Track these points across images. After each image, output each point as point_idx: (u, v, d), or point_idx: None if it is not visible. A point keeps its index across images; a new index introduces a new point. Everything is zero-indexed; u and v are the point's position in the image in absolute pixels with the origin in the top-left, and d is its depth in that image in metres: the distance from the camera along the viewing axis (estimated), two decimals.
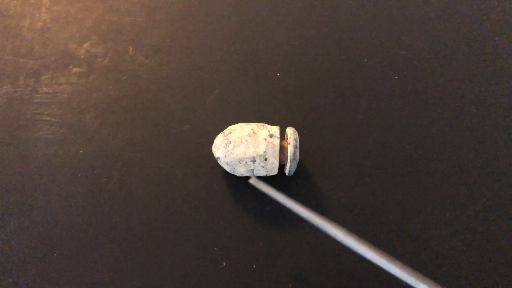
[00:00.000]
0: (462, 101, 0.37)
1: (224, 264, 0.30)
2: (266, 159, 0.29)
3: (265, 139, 0.29)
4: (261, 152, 0.29)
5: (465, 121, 0.36)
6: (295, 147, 0.29)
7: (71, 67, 0.39)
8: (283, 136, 0.34)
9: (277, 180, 0.33)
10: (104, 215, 0.32)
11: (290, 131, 0.30)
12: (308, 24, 0.42)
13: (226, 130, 0.30)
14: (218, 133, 0.33)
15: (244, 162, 0.29)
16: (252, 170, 0.30)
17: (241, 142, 0.29)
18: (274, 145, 0.29)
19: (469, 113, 0.36)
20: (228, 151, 0.29)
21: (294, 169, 0.30)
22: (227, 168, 0.30)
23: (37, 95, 0.37)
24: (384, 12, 0.43)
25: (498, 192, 0.32)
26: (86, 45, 0.41)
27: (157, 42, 0.41)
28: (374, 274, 0.29)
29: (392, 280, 0.29)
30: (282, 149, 0.30)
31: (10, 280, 0.29)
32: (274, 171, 0.30)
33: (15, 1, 0.43)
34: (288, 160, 0.29)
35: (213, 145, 0.31)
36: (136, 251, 0.30)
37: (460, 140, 0.35)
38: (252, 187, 0.33)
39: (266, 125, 0.30)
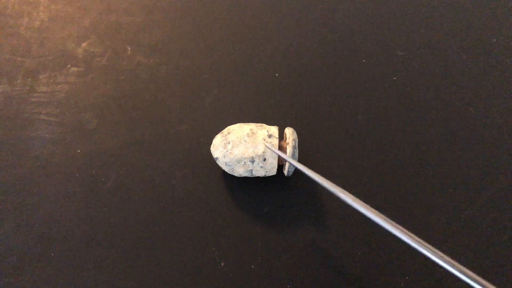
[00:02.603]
0: (460, 102, 0.37)
1: (222, 264, 0.30)
2: (265, 160, 0.29)
3: (264, 140, 0.29)
4: (260, 153, 0.29)
5: (464, 122, 0.36)
6: (294, 147, 0.29)
7: (69, 66, 0.39)
8: (282, 136, 0.34)
9: (276, 180, 0.33)
10: (102, 215, 0.32)
11: (289, 131, 0.30)
12: (307, 24, 0.42)
13: (225, 130, 0.30)
14: (217, 133, 0.33)
15: (243, 163, 0.29)
16: (251, 170, 0.30)
17: (240, 142, 0.29)
18: (273, 145, 0.29)
19: (467, 114, 0.36)
20: (227, 151, 0.29)
21: (293, 169, 0.30)
22: (226, 169, 0.30)
23: (35, 94, 0.37)
24: (382, 13, 0.43)
25: (496, 194, 0.32)
26: (84, 44, 0.40)
27: (155, 41, 0.41)
28: (374, 274, 0.29)
29: (392, 279, 0.29)
30: (281, 150, 0.30)
31: (6, 280, 0.29)
32: (273, 171, 0.30)
33: (13, 0, 0.43)
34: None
35: (211, 145, 0.31)
36: (133, 251, 0.30)
37: (458, 141, 0.35)
38: (251, 188, 0.33)
39: (265, 125, 0.30)
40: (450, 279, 0.29)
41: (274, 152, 0.28)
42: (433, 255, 0.21)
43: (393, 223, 0.23)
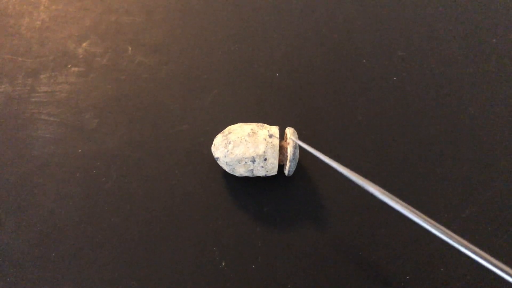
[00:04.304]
0: (460, 102, 0.37)
1: (223, 264, 0.30)
2: (265, 159, 0.29)
3: (265, 139, 0.29)
4: (260, 152, 0.29)
5: (463, 122, 0.36)
6: (294, 147, 0.29)
7: (69, 66, 0.39)
8: (282, 136, 0.34)
9: (277, 180, 0.33)
10: (102, 214, 0.32)
11: (290, 131, 0.30)
12: (307, 24, 0.42)
13: (226, 130, 0.30)
14: (218, 133, 0.33)
15: (243, 162, 0.29)
16: (252, 170, 0.30)
17: (240, 142, 0.29)
18: (273, 145, 0.29)
19: (467, 114, 0.36)
20: (227, 151, 0.29)
21: (294, 169, 0.30)
22: (227, 168, 0.30)
23: (36, 94, 0.37)
24: (382, 13, 0.43)
25: (495, 193, 0.32)
26: (84, 44, 0.40)
27: (156, 42, 0.41)
28: (374, 274, 0.29)
29: (393, 278, 0.29)
30: (282, 149, 0.30)
31: (8, 279, 0.29)
32: (273, 171, 0.30)
33: (14, 0, 0.43)
34: (288, 160, 0.29)
35: (212, 145, 0.31)
36: (134, 251, 0.30)
37: (458, 141, 0.35)
38: (252, 188, 0.33)
39: (266, 125, 0.31)
40: (451, 279, 0.29)
41: (299, 143, 0.28)
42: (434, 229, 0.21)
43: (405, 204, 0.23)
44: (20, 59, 0.39)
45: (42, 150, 0.34)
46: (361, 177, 0.24)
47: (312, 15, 0.43)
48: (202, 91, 0.38)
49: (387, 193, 0.23)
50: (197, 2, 0.44)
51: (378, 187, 0.23)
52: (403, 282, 0.29)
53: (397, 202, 0.23)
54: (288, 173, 0.31)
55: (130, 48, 0.40)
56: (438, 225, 0.21)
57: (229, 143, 0.29)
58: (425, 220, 0.22)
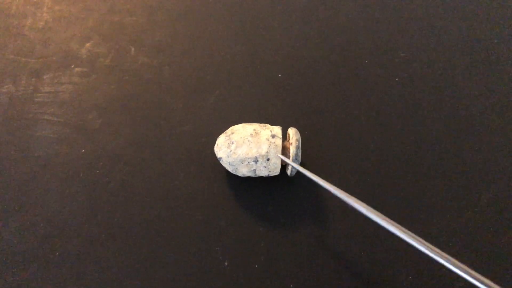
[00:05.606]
0: (462, 103, 0.37)
1: (226, 264, 0.30)
2: (268, 159, 0.29)
3: (268, 140, 0.29)
4: (263, 152, 0.29)
5: (465, 122, 0.36)
6: (297, 147, 0.29)
7: (73, 66, 0.39)
8: (285, 136, 0.34)
9: (279, 180, 0.33)
10: (105, 214, 0.32)
11: (292, 132, 0.30)
12: (310, 25, 0.42)
13: (229, 130, 0.31)
14: (220, 133, 0.33)
15: (246, 162, 0.29)
16: (255, 170, 0.30)
17: (243, 142, 0.29)
18: (276, 145, 0.29)
19: (469, 114, 0.37)
20: (230, 151, 0.29)
21: (296, 170, 0.30)
22: (229, 168, 0.30)
23: (39, 95, 0.37)
24: (384, 14, 0.43)
25: (497, 194, 0.32)
26: (88, 45, 0.41)
27: (159, 42, 0.41)
28: (377, 274, 0.29)
29: (395, 278, 0.29)
30: (284, 150, 0.30)
31: (11, 279, 0.29)
32: (276, 171, 0.30)
33: (17, 0, 0.43)
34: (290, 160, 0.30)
35: (215, 145, 0.31)
36: (137, 251, 0.30)
37: (460, 142, 0.35)
38: (254, 188, 0.33)
39: (268, 125, 0.31)
40: (452, 279, 0.29)
41: (283, 159, 0.29)
42: (435, 254, 0.21)
43: (396, 224, 0.23)
44: (23, 59, 0.40)
45: (45, 150, 0.35)
46: (356, 199, 0.25)
47: (314, 16, 0.43)
48: (205, 92, 0.38)
49: (383, 215, 0.24)
50: (200, 3, 0.44)
51: (376, 212, 0.24)
52: (405, 282, 0.29)
53: (394, 225, 0.23)
54: (290, 173, 0.31)
55: (133, 49, 0.41)
56: (428, 244, 0.22)
57: (232, 143, 0.29)
58: (415, 239, 0.22)
